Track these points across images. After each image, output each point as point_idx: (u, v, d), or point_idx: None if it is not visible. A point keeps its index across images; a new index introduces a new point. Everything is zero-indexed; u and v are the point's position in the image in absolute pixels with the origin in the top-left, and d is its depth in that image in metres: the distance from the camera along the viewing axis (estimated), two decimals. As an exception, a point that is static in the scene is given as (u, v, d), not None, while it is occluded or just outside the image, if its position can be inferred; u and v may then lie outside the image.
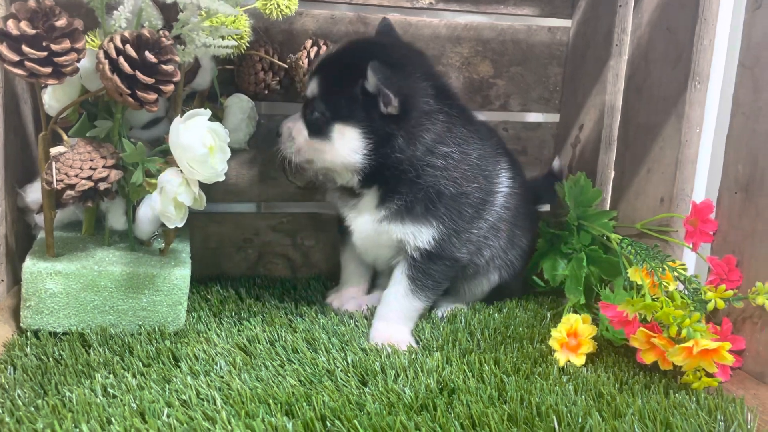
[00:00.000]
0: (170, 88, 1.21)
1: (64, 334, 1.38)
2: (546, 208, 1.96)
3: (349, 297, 1.65)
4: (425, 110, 1.39)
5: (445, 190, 1.41)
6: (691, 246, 1.35)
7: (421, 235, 1.41)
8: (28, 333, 1.36)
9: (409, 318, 1.46)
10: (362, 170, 1.40)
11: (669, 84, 1.45)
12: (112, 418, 1.03)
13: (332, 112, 1.39)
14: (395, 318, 1.44)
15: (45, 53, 1.12)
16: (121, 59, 1.14)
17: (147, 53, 1.16)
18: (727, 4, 1.56)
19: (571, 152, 1.85)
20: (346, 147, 1.39)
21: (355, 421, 1.03)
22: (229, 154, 1.30)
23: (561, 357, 1.31)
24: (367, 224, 1.47)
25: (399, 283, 1.45)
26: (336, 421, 1.04)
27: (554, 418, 1.04)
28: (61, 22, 1.14)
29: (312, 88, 1.42)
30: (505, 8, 1.84)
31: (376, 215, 1.45)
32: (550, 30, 1.88)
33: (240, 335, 1.40)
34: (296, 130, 1.45)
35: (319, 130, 1.41)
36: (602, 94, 1.72)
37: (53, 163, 1.24)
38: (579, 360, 1.30)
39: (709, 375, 1.18)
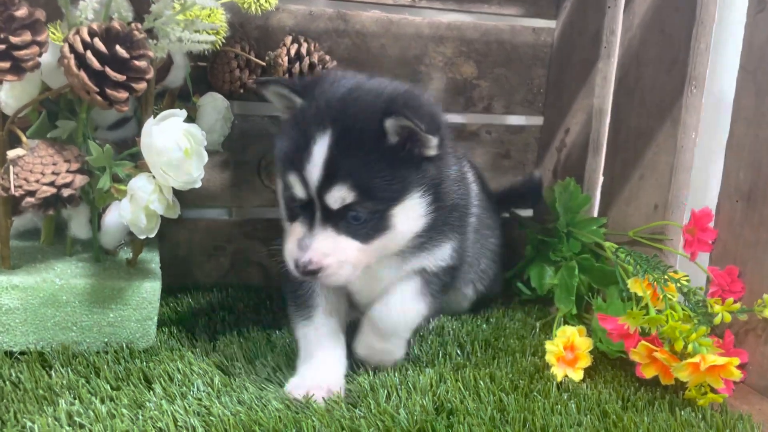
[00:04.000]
0: (143, 86, 1.11)
1: (22, 353, 1.26)
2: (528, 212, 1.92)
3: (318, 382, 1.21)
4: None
5: (455, 203, 1.27)
6: (689, 255, 1.31)
7: (442, 253, 1.27)
8: (-18, 353, 1.24)
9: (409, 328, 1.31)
10: (424, 228, 1.20)
11: (663, 88, 1.41)
12: (81, 453, 0.92)
13: (387, 202, 1.13)
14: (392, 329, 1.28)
15: (3, 46, 1.01)
16: (89, 54, 1.04)
17: (118, 47, 1.06)
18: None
19: (557, 156, 1.81)
20: (411, 220, 1.17)
21: (352, 449, 0.95)
22: (206, 158, 1.20)
23: (558, 372, 1.25)
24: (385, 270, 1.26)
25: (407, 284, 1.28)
26: (330, 451, 0.96)
27: (561, 441, 0.99)
28: (21, 12, 1.03)
29: (340, 195, 1.10)
30: (489, 7, 1.78)
31: (398, 258, 1.25)
32: (534, 31, 1.83)
33: (216, 352, 1.31)
34: (341, 251, 1.13)
35: (375, 230, 1.14)
36: (590, 97, 1.68)
37: (11, 167, 1.13)
38: (577, 375, 1.25)
39: (713, 390, 1.14)
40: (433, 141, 1.12)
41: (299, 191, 1.13)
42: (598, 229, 1.56)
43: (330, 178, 1.09)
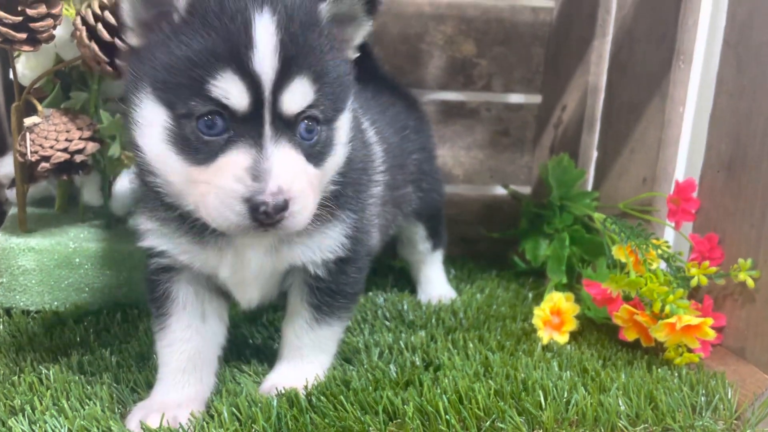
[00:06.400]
0: (150, 57, 1.17)
1: (37, 312, 1.34)
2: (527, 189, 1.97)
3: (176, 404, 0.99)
4: None
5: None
6: (673, 224, 1.35)
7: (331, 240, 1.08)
8: (0, 311, 1.32)
9: None
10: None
11: (653, 63, 1.45)
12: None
13: (339, 105, 0.90)
14: None
15: (20, 18, 1.08)
16: (100, 26, 1.10)
17: (126, 20, 1.12)
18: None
19: (554, 133, 1.85)
20: (342, 144, 0.94)
21: (341, 397, 1.02)
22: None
23: (544, 335, 1.31)
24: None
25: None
26: (321, 398, 1.02)
27: (540, 392, 1.04)
28: (35, -14, 1.09)
29: (302, 91, 0.85)
30: (489, -13, 1.83)
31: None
32: (533, 10, 1.87)
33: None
34: (304, 175, 0.86)
35: (325, 147, 0.91)
36: (586, 74, 1.72)
37: (27, 134, 1.20)
38: (562, 338, 1.30)
39: (690, 351, 1.19)
40: (368, 25, 0.91)
41: (239, 98, 0.82)
42: (590, 202, 1.60)
43: (287, 68, 0.82)
